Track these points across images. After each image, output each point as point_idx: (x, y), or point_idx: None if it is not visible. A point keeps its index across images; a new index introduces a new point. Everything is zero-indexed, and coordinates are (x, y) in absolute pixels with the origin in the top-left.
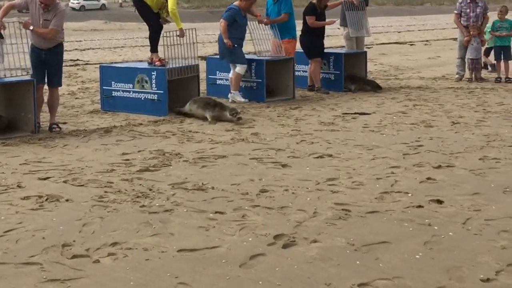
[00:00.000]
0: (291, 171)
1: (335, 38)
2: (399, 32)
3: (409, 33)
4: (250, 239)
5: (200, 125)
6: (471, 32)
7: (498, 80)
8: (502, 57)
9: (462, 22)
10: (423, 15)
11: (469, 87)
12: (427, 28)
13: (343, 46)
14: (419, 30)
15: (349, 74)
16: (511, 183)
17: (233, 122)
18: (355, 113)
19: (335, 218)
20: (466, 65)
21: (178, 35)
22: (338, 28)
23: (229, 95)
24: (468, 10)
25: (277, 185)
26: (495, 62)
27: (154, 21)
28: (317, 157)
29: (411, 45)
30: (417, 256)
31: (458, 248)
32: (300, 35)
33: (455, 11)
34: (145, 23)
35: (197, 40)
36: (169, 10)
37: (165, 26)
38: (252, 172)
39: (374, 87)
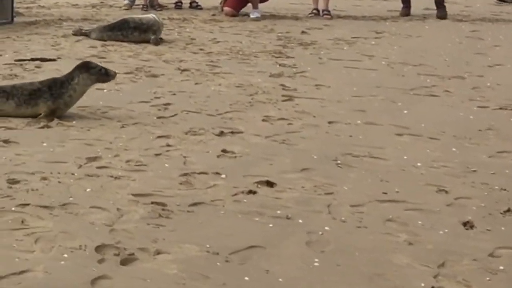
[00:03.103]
0: (24, 149)
1: None
2: None
3: None
4: (65, 255)
5: None
6: None
7: (179, 5)
8: None
9: None
10: None
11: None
12: None
13: None
14: None
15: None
16: (335, 152)
17: None
18: (33, 59)
19: (154, 216)
20: None
21: None
22: None
23: None
24: None
25: (24, 171)
26: None
27: None
28: (42, 127)
29: None
30: (316, 264)
31: (356, 249)
32: None
33: None
34: None
35: None
36: None
37: None
38: None
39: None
